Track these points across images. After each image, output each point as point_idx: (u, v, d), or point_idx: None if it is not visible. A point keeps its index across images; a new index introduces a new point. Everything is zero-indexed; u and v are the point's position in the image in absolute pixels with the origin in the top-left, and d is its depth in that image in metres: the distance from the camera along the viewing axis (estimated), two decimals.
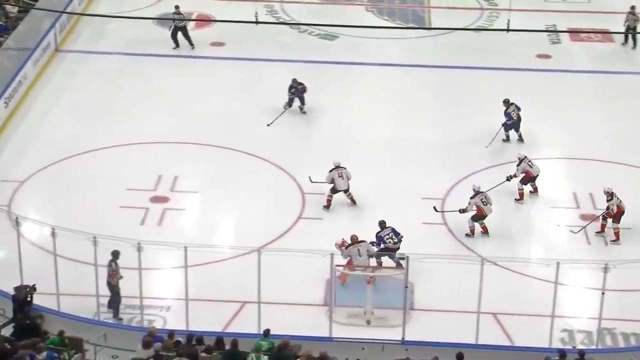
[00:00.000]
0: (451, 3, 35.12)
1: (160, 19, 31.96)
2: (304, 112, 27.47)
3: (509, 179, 23.74)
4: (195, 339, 18.21)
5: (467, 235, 22.53)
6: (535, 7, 34.17)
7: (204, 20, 33.17)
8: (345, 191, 23.64)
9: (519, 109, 26.60)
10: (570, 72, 30.75)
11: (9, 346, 17.72)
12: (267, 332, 18.43)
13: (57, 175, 25.05)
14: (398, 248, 21.25)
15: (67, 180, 24.80)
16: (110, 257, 19.75)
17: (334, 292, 19.82)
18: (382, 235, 21.42)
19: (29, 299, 19.24)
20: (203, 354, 17.68)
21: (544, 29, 32.71)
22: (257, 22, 25.09)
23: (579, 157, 26.15)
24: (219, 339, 18.13)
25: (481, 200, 22.49)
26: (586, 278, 20.76)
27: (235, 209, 23.93)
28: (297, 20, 33.41)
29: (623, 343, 19.78)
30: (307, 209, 23.72)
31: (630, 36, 32.25)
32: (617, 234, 22.77)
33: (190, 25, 32.22)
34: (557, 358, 17.77)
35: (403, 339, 19.15)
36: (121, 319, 19.93)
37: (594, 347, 19.38)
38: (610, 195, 22.78)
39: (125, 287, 19.99)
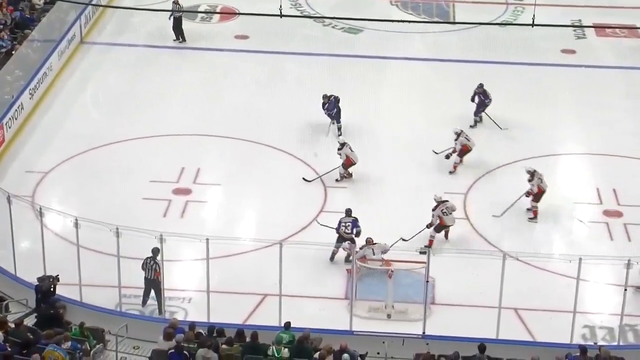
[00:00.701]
0: None
1: (184, 11, 31.99)
2: (339, 132, 26.34)
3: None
4: (216, 330, 18.28)
5: (425, 247, 21.14)
6: (561, 2, 33.89)
7: (229, 13, 33.23)
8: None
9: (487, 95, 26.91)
10: (595, 68, 30.60)
11: (31, 336, 17.86)
12: (287, 324, 18.45)
13: (81, 166, 25.19)
14: (351, 239, 21.22)
15: (90, 171, 24.92)
16: (150, 255, 19.77)
17: (354, 286, 19.85)
18: (342, 221, 21.45)
19: (51, 289, 19.33)
20: (223, 346, 17.76)
21: (569, 23, 32.54)
22: (281, 16, 25.07)
23: (603, 153, 26.01)
24: (240, 331, 18.19)
25: (442, 211, 22.04)
26: (608, 274, 20.65)
27: (257, 201, 23.98)
28: (321, 14, 33.40)
29: None
30: (329, 202, 23.76)
31: None
32: (535, 213, 23.08)
33: (215, 18, 32.22)
34: (578, 354, 17.71)
35: (424, 333, 19.15)
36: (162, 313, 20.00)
37: (615, 343, 19.27)
38: (531, 175, 23.01)
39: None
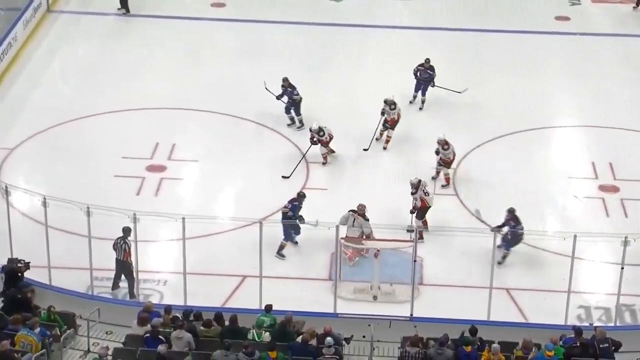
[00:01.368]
0: None
1: None
2: (298, 126, 25.58)
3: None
4: (193, 314, 18.24)
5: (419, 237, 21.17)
6: None
7: None
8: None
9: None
10: (591, 35, 30.59)
11: None
12: (268, 307, 18.44)
13: (49, 142, 25.05)
14: (295, 223, 21.10)
15: (59, 147, 24.78)
16: (121, 235, 19.70)
17: (339, 267, 19.86)
18: (293, 203, 21.30)
19: (20, 274, 19.21)
20: (201, 328, 17.75)
21: None
22: None
23: (598, 125, 26.03)
24: (218, 314, 18.17)
25: (423, 191, 21.85)
26: (604, 252, 20.72)
27: (236, 178, 23.91)
28: None
29: None
30: (311, 179, 23.70)
31: None
32: (447, 180, 23.35)
33: None
34: (572, 336, 17.77)
35: (411, 315, 19.15)
36: (135, 297, 19.96)
37: (612, 324, 19.36)
38: (447, 145, 23.16)
39: None
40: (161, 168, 24.02)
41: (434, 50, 29.04)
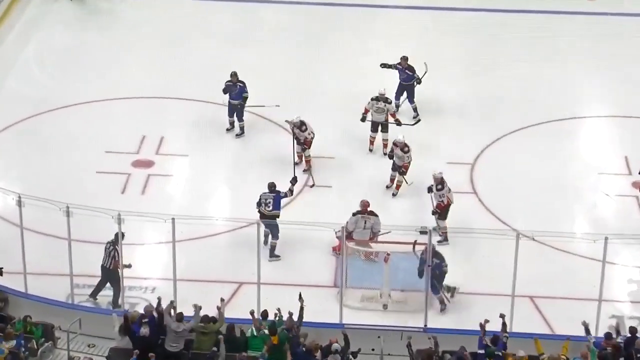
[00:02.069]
0: None
1: None
2: (238, 133, 25.04)
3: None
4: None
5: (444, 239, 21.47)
6: None
7: None
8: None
9: None
10: (620, 16, 30.49)
11: None
12: (265, 314, 18.44)
13: (24, 135, 24.99)
14: (272, 216, 21.02)
15: (35, 140, 24.71)
16: (111, 240, 19.59)
17: (344, 272, 19.76)
18: (262, 197, 21.20)
19: None
20: (200, 324, 18.00)
21: None
22: None
23: (631, 115, 25.95)
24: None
25: (448, 189, 21.70)
26: (639, 255, 20.69)
27: (231, 174, 23.88)
28: None
29: None
30: (314, 175, 23.62)
31: None
32: (399, 187, 23.06)
33: None
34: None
35: (425, 325, 19.08)
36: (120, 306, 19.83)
37: None
38: (406, 147, 22.82)
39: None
40: (148, 163, 23.96)
41: (442, 32, 29.00)
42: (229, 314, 18.96)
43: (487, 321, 17.84)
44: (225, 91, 24.88)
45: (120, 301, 19.76)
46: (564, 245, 20.97)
